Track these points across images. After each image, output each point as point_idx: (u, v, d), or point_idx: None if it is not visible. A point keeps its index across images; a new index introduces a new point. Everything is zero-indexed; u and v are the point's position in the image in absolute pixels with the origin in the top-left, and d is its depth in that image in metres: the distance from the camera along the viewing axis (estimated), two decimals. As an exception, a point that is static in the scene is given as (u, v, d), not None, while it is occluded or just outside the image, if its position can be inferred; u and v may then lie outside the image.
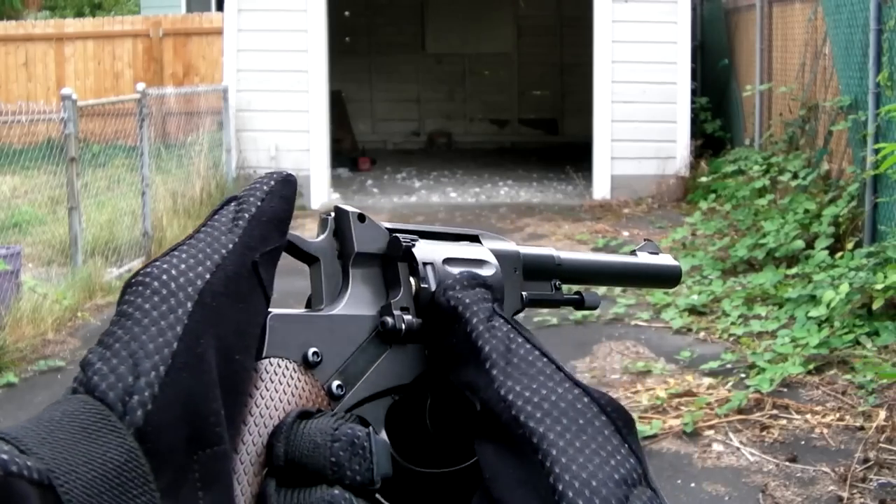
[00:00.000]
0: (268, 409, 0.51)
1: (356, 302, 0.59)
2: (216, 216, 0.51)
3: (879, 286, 5.10)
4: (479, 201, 10.84)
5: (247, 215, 0.51)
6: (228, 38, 10.37)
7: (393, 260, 0.61)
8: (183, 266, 0.47)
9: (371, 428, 0.51)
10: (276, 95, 10.24)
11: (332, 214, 0.61)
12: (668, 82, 10.10)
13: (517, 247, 0.70)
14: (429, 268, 0.61)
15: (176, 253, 0.48)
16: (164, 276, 0.46)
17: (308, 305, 0.59)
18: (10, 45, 14.11)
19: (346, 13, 14.74)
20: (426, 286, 0.60)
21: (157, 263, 0.47)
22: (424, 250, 0.62)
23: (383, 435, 0.58)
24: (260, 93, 10.27)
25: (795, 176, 7.58)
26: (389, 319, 0.58)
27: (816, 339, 5.11)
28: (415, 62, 15.95)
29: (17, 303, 5.91)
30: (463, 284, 0.58)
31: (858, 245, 6.28)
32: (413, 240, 0.62)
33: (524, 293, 0.69)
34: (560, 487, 0.47)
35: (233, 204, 0.52)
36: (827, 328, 5.26)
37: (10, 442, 0.38)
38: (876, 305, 5.14)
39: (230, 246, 0.49)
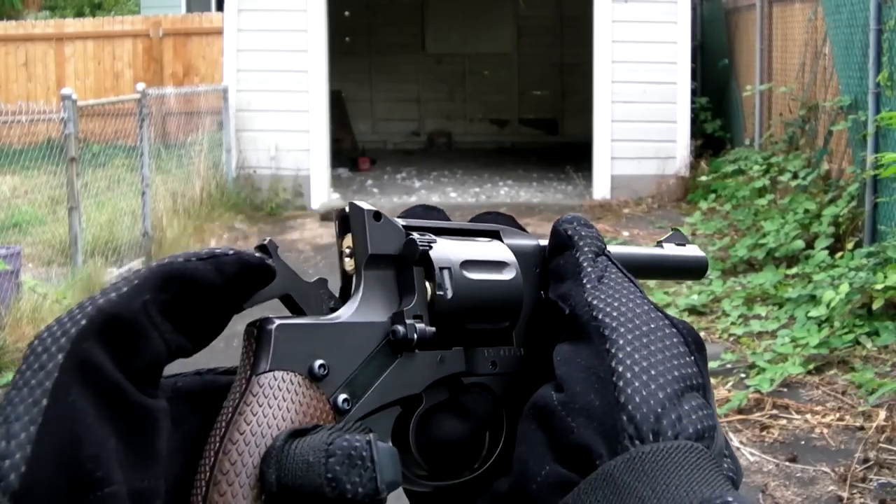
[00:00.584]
0: (260, 426, 0.49)
1: (367, 307, 0.56)
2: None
3: (879, 286, 5.10)
4: (479, 201, 10.84)
5: (153, 265, 0.49)
6: (228, 38, 10.37)
7: (408, 262, 0.57)
8: (65, 317, 0.46)
9: (373, 435, 0.49)
10: (276, 95, 10.24)
11: (347, 211, 0.58)
12: (668, 82, 10.10)
13: (539, 241, 0.65)
14: (445, 273, 0.57)
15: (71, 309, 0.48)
16: (45, 333, 0.46)
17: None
18: (10, 45, 14.11)
19: (346, 13, 14.74)
20: (441, 293, 0.57)
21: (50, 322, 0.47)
22: (442, 252, 0.58)
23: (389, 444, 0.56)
24: (260, 93, 10.27)
25: (795, 176, 7.58)
26: (401, 328, 0.55)
27: (816, 339, 5.11)
28: (415, 62, 15.95)
29: (17, 303, 5.91)
30: (580, 222, 0.60)
31: (858, 245, 6.28)
32: (430, 241, 0.58)
33: (543, 292, 0.64)
34: (620, 369, 0.50)
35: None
36: (827, 328, 5.26)
37: None
38: (876, 305, 5.14)
39: (120, 290, 0.47)
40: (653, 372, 0.50)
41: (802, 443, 4.18)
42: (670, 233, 0.77)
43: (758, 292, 6.16)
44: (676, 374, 0.50)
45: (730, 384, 4.82)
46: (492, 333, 0.60)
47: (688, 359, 0.52)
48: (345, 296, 0.57)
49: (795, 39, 8.73)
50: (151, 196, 8.14)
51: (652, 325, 0.53)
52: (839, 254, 6.19)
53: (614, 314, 0.53)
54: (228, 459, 0.47)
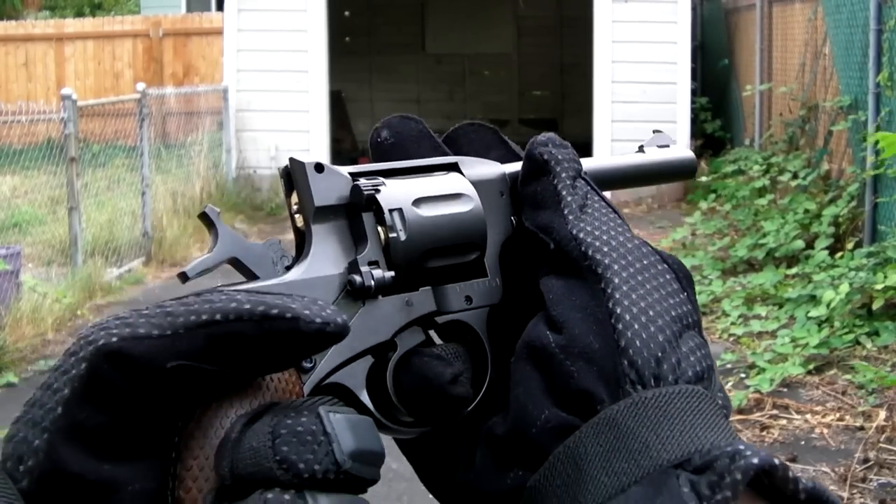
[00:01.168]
0: (218, 416, 0.46)
1: (320, 261, 0.54)
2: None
3: (879, 286, 5.10)
4: (479, 201, 10.84)
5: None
6: (228, 38, 10.37)
7: (357, 210, 0.55)
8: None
9: (324, 407, 0.45)
10: (276, 95, 10.24)
11: (289, 166, 0.56)
12: (668, 82, 10.10)
13: (503, 167, 0.62)
14: (396, 214, 0.56)
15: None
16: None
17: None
18: (10, 45, 14.11)
19: (346, 13, 14.74)
20: (395, 235, 0.55)
21: None
22: (391, 194, 0.56)
23: (364, 397, 0.54)
24: (260, 93, 10.27)
25: (795, 176, 7.58)
26: (357, 277, 0.53)
27: (816, 339, 5.11)
28: (415, 62, 15.95)
29: (17, 303, 5.91)
30: (555, 143, 0.58)
31: (858, 245, 6.28)
32: (377, 185, 0.56)
33: (514, 217, 0.61)
34: (618, 311, 0.49)
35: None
36: (827, 328, 5.26)
37: None
38: (876, 305, 5.14)
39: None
40: (651, 313, 0.50)
41: (802, 443, 4.18)
42: (651, 136, 0.73)
43: (758, 292, 6.16)
44: (673, 313, 0.50)
45: (730, 384, 4.82)
46: (460, 268, 0.58)
47: (682, 296, 0.51)
48: (300, 254, 0.55)
49: (795, 39, 8.73)
50: (151, 196, 8.14)
51: (644, 262, 0.52)
52: (839, 254, 6.19)
53: (605, 249, 0.52)
54: (191, 455, 0.45)
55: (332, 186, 0.56)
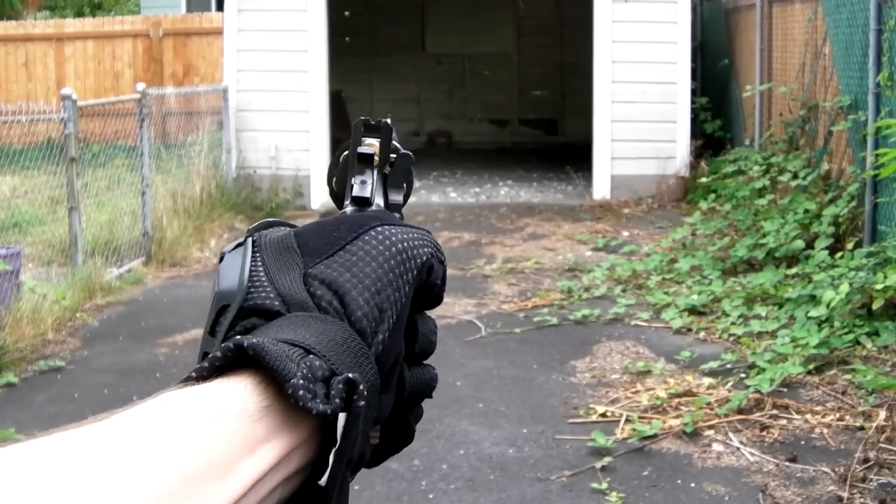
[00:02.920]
0: None
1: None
2: None
3: (879, 286, 5.09)
4: (479, 201, 10.84)
5: None
6: (228, 38, 10.37)
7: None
8: None
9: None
10: (276, 95, 10.24)
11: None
12: (668, 82, 10.10)
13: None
14: None
15: None
16: None
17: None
18: (10, 45, 14.11)
19: (346, 13, 14.74)
20: None
21: None
22: None
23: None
24: (260, 93, 10.27)
25: (795, 176, 7.58)
26: None
27: (816, 339, 5.11)
28: (415, 62, 15.95)
29: (17, 303, 5.91)
30: None
31: (858, 245, 6.28)
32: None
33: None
34: None
35: None
36: (827, 328, 5.26)
37: (321, 358, 0.54)
38: (876, 305, 5.14)
39: None
40: None
41: (802, 443, 4.18)
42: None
43: (758, 292, 6.16)
44: None
45: (730, 384, 4.82)
46: None
47: None
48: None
49: (795, 39, 8.73)
50: (151, 196, 8.14)
51: None
52: (839, 254, 6.18)
53: None
54: None
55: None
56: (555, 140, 15.46)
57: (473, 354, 5.50)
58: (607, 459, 4.06)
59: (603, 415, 4.54)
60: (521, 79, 16.10)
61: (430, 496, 3.78)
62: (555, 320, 6.01)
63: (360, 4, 15.17)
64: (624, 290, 6.65)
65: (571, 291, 6.63)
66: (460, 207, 10.39)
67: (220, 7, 13.07)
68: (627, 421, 4.44)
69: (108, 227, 7.70)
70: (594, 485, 3.86)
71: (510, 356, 5.46)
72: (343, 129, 13.55)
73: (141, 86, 8.33)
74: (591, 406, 4.66)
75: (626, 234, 8.70)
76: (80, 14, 19.23)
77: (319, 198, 10.19)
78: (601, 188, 10.32)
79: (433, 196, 11.15)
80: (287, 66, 10.20)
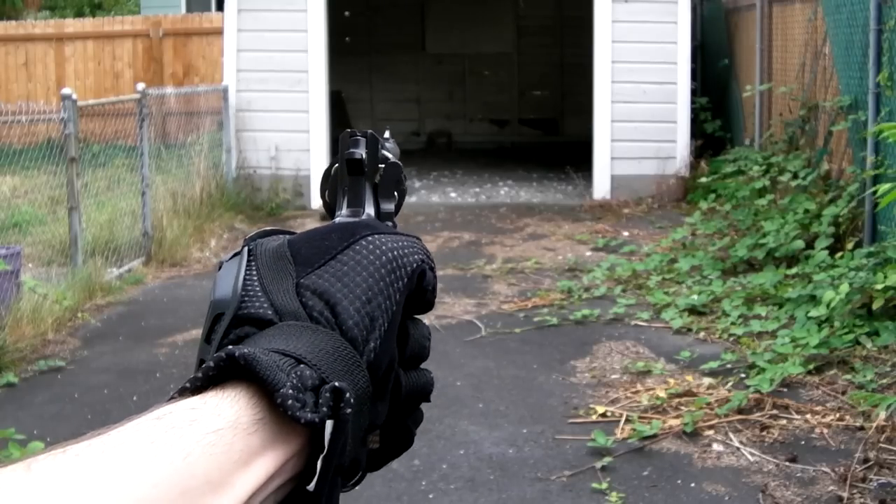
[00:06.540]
0: None
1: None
2: None
3: (879, 286, 5.09)
4: (479, 201, 10.84)
5: None
6: (228, 38, 10.36)
7: None
8: None
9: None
10: (276, 95, 10.24)
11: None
12: (668, 82, 10.10)
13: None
14: None
15: None
16: None
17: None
18: (10, 45, 14.11)
19: (346, 13, 14.73)
20: None
21: None
22: None
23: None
24: (260, 93, 10.27)
25: (795, 176, 7.57)
26: None
27: (816, 339, 5.11)
28: (415, 62, 15.94)
29: (17, 303, 5.91)
30: None
31: (858, 245, 6.28)
32: None
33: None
34: None
35: None
36: (827, 328, 5.26)
37: (311, 367, 0.55)
38: (876, 305, 5.14)
39: None
40: None
41: (802, 443, 4.18)
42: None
43: (758, 292, 6.16)
44: None
45: (730, 384, 4.82)
46: None
47: None
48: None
49: (795, 39, 8.73)
50: (151, 196, 8.14)
51: None
52: (839, 254, 6.18)
53: None
54: None
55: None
56: (555, 140, 15.45)
57: (473, 354, 5.50)
58: (607, 459, 4.06)
59: (603, 415, 4.54)
60: (521, 79, 16.10)
61: (430, 496, 3.78)
62: (555, 320, 6.01)
63: (359, 4, 15.17)
64: (624, 290, 6.65)
65: (571, 291, 6.63)
66: (460, 207, 10.39)
67: (220, 7, 13.06)
68: (627, 421, 4.44)
69: (108, 227, 7.70)
70: (594, 485, 3.86)
71: (510, 356, 5.46)
72: (343, 129, 13.53)
73: (141, 86, 8.33)
74: (591, 406, 4.66)
75: (626, 233, 8.70)
76: (80, 14, 19.23)
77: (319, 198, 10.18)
78: (601, 188, 10.32)
79: (433, 196, 11.15)
80: (287, 66, 10.20)
